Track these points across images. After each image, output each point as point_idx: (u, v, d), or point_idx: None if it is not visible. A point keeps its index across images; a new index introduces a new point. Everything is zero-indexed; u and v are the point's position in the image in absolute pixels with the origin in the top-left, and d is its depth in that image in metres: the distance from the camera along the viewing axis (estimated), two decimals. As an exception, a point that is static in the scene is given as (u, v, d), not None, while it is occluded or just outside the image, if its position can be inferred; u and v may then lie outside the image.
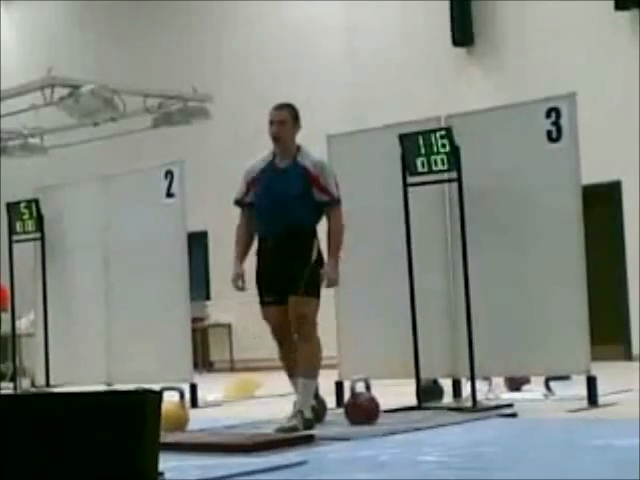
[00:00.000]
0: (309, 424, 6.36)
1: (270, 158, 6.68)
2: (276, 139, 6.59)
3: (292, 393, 6.78)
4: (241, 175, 6.79)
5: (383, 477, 4.53)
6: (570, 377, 8.15)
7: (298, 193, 6.48)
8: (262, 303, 6.67)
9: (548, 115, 7.35)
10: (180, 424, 6.54)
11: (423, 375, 7.54)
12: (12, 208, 10.41)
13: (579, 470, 4.39)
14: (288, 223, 6.49)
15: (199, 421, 6.93)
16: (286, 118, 6.58)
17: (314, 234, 6.58)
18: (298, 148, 6.64)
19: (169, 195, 9.31)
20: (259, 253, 6.66)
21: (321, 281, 6.54)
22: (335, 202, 6.56)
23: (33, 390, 10.72)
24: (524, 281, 7.49)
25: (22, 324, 12.51)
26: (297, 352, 6.57)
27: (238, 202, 6.80)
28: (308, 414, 6.43)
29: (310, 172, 6.51)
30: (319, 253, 6.60)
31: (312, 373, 6.51)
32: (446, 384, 7.89)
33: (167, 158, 10.29)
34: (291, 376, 6.70)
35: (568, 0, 13.77)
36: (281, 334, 6.67)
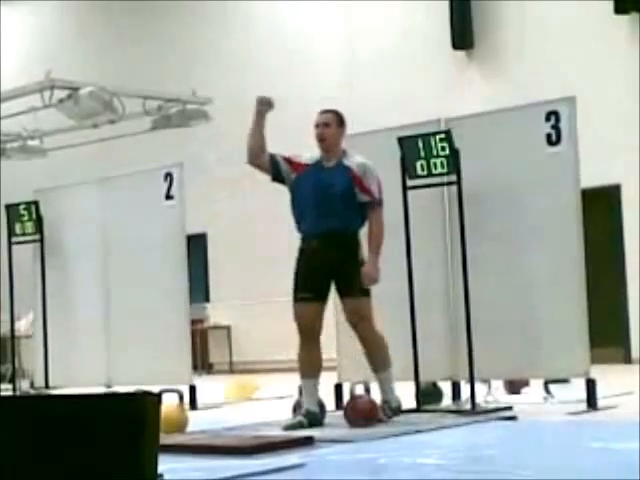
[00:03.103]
0: (397, 412, 6.78)
1: (319, 158, 6.90)
2: (321, 140, 6.86)
3: (291, 395, 6.75)
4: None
5: (382, 479, 4.53)
6: (569, 380, 8.14)
7: (342, 191, 6.68)
8: (295, 300, 6.76)
9: (547, 118, 7.34)
10: (179, 426, 6.54)
11: (422, 378, 7.53)
12: (11, 210, 10.40)
13: (578, 473, 4.39)
14: (333, 224, 6.66)
15: (198, 423, 6.93)
16: (329, 120, 6.87)
17: (357, 236, 6.75)
18: (344, 152, 6.88)
19: (168, 197, 9.31)
20: (301, 253, 6.79)
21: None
22: (376, 203, 6.75)
23: (32, 392, 10.70)
24: (524, 284, 7.48)
25: (21, 325, 12.52)
26: (365, 352, 6.85)
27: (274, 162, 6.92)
28: (395, 403, 6.81)
29: (354, 172, 6.74)
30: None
31: (385, 365, 6.83)
32: (445, 387, 7.89)
33: (166, 160, 10.29)
34: (303, 377, 6.72)
35: (568, 4, 13.79)
36: (309, 333, 6.72)
